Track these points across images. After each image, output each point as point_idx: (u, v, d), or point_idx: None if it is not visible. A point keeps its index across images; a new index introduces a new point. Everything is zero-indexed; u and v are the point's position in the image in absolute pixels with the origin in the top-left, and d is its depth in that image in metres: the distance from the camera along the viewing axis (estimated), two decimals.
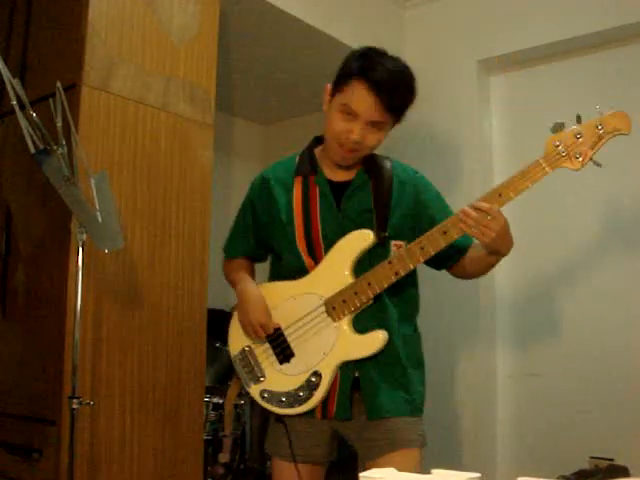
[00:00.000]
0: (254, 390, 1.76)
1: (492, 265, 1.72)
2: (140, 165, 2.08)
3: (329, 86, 1.71)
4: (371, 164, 1.75)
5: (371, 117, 1.63)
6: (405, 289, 1.74)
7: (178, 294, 2.15)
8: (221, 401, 2.62)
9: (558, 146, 1.49)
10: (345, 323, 1.66)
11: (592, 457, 2.62)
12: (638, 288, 2.67)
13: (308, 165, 1.77)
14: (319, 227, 1.71)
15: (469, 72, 3.08)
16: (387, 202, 1.70)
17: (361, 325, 1.66)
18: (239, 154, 3.95)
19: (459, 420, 2.90)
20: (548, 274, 2.90)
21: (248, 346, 1.78)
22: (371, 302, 1.65)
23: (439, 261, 1.73)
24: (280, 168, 1.84)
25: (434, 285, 2.07)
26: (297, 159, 1.81)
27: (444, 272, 1.90)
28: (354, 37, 2.98)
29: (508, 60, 3.07)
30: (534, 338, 2.92)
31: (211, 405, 2.60)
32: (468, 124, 3.06)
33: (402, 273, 1.61)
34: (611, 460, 2.57)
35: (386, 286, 1.62)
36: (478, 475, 0.74)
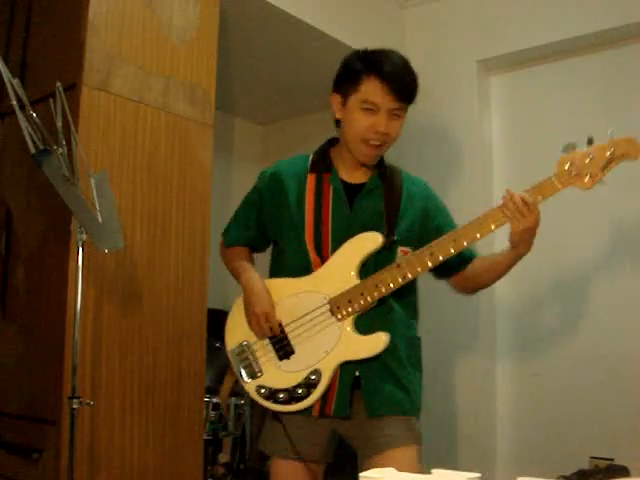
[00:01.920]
0: (250, 385, 1.75)
1: (508, 268, 1.74)
2: (140, 165, 2.08)
3: (337, 95, 1.75)
4: (384, 170, 1.80)
5: (390, 106, 1.68)
6: (407, 294, 1.76)
7: (178, 294, 2.15)
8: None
9: (570, 166, 1.58)
10: (348, 323, 1.66)
11: (592, 457, 2.62)
12: (638, 289, 2.67)
13: (323, 163, 1.80)
14: (329, 225, 1.73)
15: (469, 72, 3.08)
16: (397, 208, 1.74)
17: (365, 326, 1.67)
18: (239, 154, 3.95)
19: (459, 420, 2.90)
20: (548, 276, 2.90)
21: (246, 341, 1.77)
22: (375, 304, 1.66)
23: (443, 270, 1.76)
24: (293, 164, 1.85)
25: (435, 286, 2.07)
26: (311, 157, 1.83)
27: None
28: (354, 37, 2.98)
29: (508, 60, 3.07)
30: (534, 339, 2.91)
31: (211, 405, 2.59)
32: (468, 124, 3.06)
33: (410, 277, 1.64)
34: (611, 460, 2.57)
35: (393, 289, 1.64)
36: (478, 475, 0.74)
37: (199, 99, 2.27)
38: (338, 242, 1.70)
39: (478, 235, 1.62)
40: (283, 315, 1.73)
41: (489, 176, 3.05)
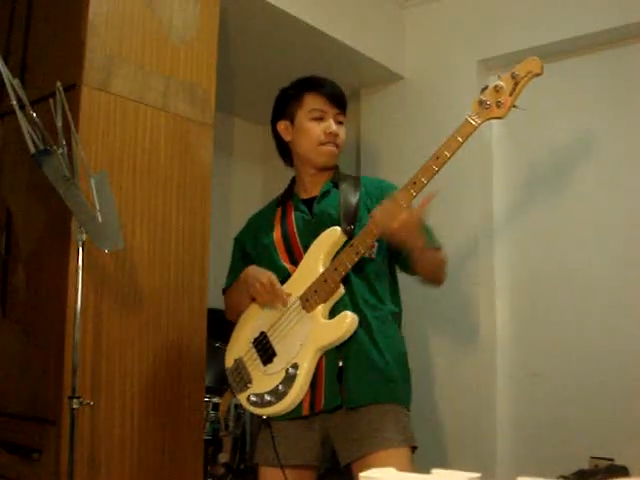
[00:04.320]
0: (243, 397, 1.80)
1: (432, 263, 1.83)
2: (140, 165, 2.08)
3: (283, 122, 1.93)
4: (337, 177, 1.94)
5: (334, 111, 1.88)
6: (374, 278, 1.81)
7: (178, 294, 2.15)
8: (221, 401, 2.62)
9: (482, 102, 1.64)
10: (319, 312, 1.72)
11: (592, 457, 2.62)
12: (638, 289, 2.67)
13: (286, 196, 1.98)
14: (296, 235, 1.85)
15: (469, 72, 3.08)
16: (355, 205, 1.83)
17: (336, 313, 1.72)
18: (239, 154, 3.95)
19: (459, 420, 2.90)
20: (549, 274, 2.90)
21: (239, 357, 1.85)
22: (343, 291, 1.72)
23: (409, 263, 1.82)
24: (266, 207, 2.04)
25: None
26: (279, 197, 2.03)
27: None
28: (354, 37, 2.98)
29: (508, 60, 3.06)
30: (534, 338, 2.91)
31: (211, 405, 2.59)
32: None
33: (362, 250, 1.69)
34: (611, 460, 2.57)
35: (350, 267, 1.70)
36: (478, 475, 0.74)
37: (199, 99, 2.27)
38: (308, 247, 1.81)
39: (413, 192, 1.66)
40: (266, 322, 1.81)
41: (489, 176, 3.05)
